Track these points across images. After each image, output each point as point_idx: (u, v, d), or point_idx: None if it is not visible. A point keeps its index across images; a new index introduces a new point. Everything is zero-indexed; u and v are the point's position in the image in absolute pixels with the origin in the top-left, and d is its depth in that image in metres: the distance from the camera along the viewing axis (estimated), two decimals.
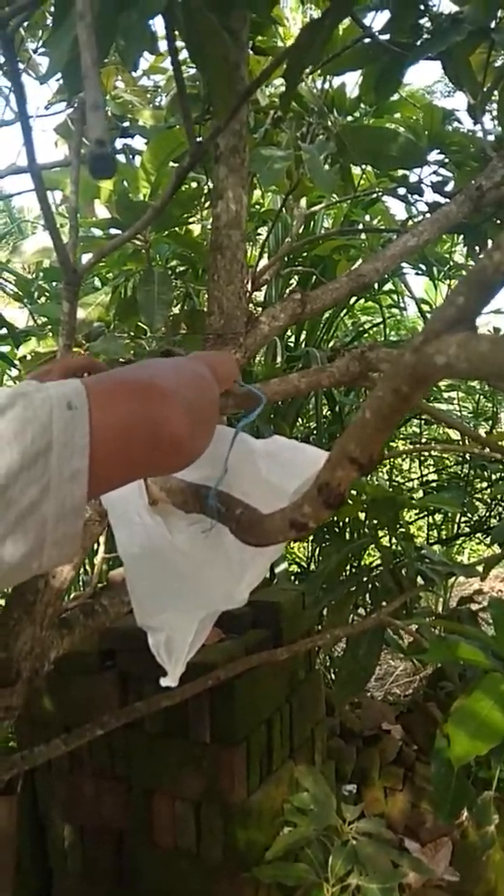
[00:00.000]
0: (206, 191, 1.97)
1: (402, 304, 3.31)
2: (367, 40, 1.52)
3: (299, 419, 3.22)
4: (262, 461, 0.84)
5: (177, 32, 0.96)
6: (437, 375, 0.48)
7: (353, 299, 3.07)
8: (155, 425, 0.53)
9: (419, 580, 1.74)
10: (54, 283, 2.45)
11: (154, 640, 0.83)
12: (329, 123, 1.80)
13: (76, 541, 0.50)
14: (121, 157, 2.11)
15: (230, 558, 0.84)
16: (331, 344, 3.08)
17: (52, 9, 0.98)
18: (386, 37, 1.51)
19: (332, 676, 2.97)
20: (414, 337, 0.48)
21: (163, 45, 1.67)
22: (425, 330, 0.47)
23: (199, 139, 0.98)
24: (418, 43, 1.52)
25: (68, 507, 0.48)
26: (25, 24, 2.51)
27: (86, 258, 1.60)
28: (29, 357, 1.72)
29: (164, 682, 0.84)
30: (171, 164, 1.61)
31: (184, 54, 1.13)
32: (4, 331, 2.30)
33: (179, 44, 0.97)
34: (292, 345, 3.00)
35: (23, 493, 0.46)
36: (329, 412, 3.16)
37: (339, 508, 0.71)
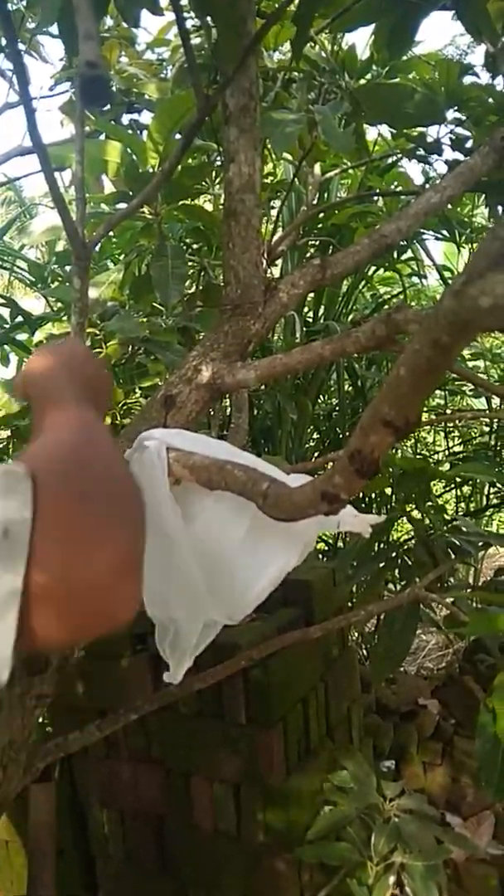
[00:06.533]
0: (217, 162, 1.92)
1: (422, 273, 3.23)
2: None
3: (321, 395, 3.17)
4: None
5: None
6: (483, 320, 0.43)
7: (371, 270, 3.00)
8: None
9: (451, 553, 1.69)
10: (67, 267, 2.42)
11: (160, 634, 0.82)
12: (342, 83, 1.73)
13: None
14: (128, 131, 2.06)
15: (239, 568, 0.81)
16: (350, 317, 3.01)
17: None
18: None
19: (365, 653, 2.94)
20: (455, 279, 0.43)
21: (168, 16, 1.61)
22: (467, 269, 0.43)
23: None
24: None
25: None
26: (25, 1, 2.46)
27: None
28: (44, 341, 1.69)
29: (166, 677, 0.82)
30: (179, 136, 1.57)
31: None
32: (21, 319, 2.29)
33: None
34: (311, 319, 2.95)
35: None
36: (351, 387, 3.10)
37: (373, 477, 0.67)
